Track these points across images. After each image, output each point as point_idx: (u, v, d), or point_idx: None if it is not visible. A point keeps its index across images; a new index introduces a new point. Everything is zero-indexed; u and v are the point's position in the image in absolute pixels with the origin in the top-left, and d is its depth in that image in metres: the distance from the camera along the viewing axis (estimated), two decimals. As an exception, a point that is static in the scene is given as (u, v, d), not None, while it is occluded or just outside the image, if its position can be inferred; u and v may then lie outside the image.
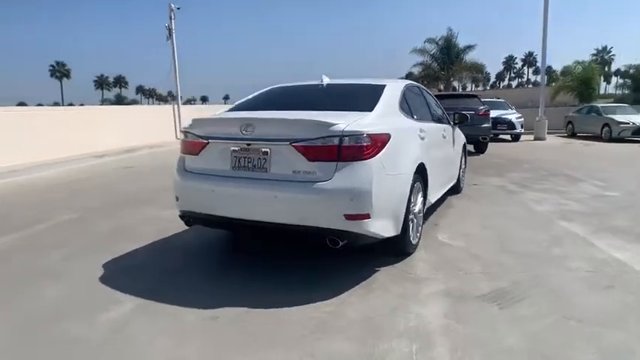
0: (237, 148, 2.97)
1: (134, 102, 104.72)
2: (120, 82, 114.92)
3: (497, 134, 14.85)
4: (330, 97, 3.71)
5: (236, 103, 3.92)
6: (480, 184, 6.75)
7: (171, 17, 15.43)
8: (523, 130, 15.49)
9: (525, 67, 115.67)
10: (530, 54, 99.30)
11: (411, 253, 3.46)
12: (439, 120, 4.94)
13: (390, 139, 2.94)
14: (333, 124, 2.74)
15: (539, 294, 2.79)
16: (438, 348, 2.19)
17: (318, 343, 2.26)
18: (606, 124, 15.67)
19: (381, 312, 2.57)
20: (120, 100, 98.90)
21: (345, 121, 2.78)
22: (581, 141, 15.06)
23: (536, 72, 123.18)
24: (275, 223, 2.86)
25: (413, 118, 3.80)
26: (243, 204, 2.93)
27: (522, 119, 15.57)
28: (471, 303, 2.68)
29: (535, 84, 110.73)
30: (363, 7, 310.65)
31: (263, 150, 2.88)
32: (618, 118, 15.49)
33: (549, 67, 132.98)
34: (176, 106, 15.42)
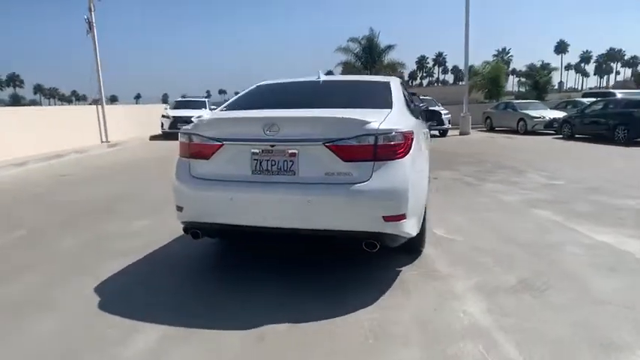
0: (258, 150, 2.72)
1: (33, 102, 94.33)
2: (14, 80, 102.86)
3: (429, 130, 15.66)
4: (338, 94, 3.56)
5: (229, 101, 3.60)
6: (437, 177, 7.01)
7: (90, 9, 14.04)
8: (450, 126, 16.53)
9: (436, 67, 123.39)
10: (440, 54, 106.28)
11: (422, 250, 3.45)
12: (418, 116, 5.01)
13: (414, 137, 2.89)
14: (368, 122, 2.62)
15: (559, 281, 2.92)
16: (504, 345, 2.18)
17: (384, 352, 2.14)
18: (522, 119, 17.23)
19: (429, 313, 2.52)
20: (16, 101, 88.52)
21: (376, 119, 2.68)
22: (502, 135, 16.37)
23: (444, 71, 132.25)
24: (306, 230, 2.68)
25: (412, 114, 3.79)
26: (268, 211, 2.70)
27: (450, 115, 16.57)
28: (505, 296, 2.73)
29: (444, 82, 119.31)
30: (285, 8, 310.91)
31: (290, 151, 2.67)
32: (532, 113, 17.10)
33: (456, 67, 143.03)
34: (100, 106, 14.08)
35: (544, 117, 16.72)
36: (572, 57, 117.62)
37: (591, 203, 5.07)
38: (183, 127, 3.06)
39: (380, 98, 3.24)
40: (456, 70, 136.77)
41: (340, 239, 2.76)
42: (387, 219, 2.59)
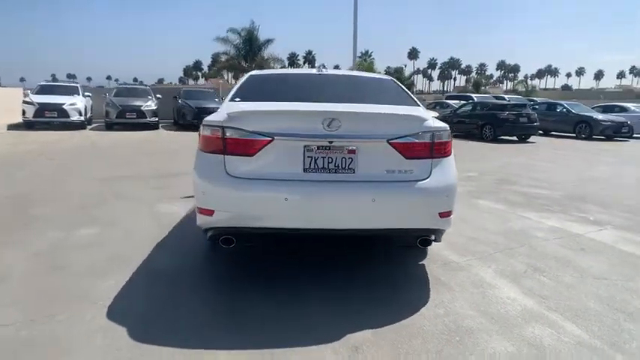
0: (313, 147, 2.51)
1: None
2: None
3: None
4: (361, 89, 3.45)
5: (232, 93, 3.19)
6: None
7: None
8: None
9: (306, 64, 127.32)
10: (310, 52, 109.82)
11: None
12: None
13: None
14: (426, 119, 2.63)
15: (554, 262, 3.34)
16: (564, 324, 2.42)
17: (476, 344, 2.20)
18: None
19: (483, 303, 2.65)
20: None
21: (427, 116, 2.70)
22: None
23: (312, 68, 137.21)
24: (364, 230, 2.58)
25: None
26: (325, 212, 2.51)
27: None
28: (526, 279, 3.02)
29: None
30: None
31: (349, 148, 2.52)
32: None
33: (324, 66, 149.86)
34: None
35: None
36: (421, 63, 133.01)
37: (513, 193, 5.87)
38: (211, 119, 2.66)
39: (402, 96, 3.26)
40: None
41: (393, 238, 2.72)
42: (442, 215, 2.64)
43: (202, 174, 2.60)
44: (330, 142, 2.50)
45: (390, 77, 3.83)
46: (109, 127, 14.78)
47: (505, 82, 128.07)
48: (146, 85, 18.53)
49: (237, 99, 3.03)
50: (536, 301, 2.69)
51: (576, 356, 2.14)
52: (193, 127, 15.42)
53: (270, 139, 2.50)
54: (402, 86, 3.56)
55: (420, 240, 2.69)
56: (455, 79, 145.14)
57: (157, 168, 7.26)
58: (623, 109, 17.17)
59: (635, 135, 15.80)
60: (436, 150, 2.63)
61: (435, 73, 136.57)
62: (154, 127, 15.42)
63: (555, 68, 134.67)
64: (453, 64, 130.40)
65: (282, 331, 2.29)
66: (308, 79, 3.57)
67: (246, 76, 3.60)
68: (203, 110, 15.96)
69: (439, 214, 2.62)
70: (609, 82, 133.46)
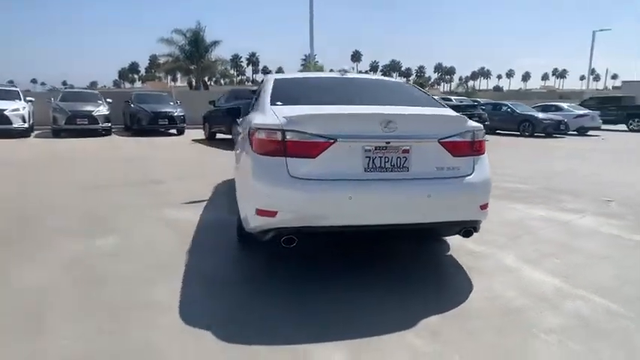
0: (371, 147, 2.66)
1: None
2: None
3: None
4: (388, 92, 3.66)
5: (265, 97, 3.27)
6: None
7: None
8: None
9: (250, 66, 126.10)
10: (254, 54, 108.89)
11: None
12: None
13: None
14: (467, 120, 2.87)
15: (561, 248, 3.72)
16: (598, 299, 2.75)
17: (542, 322, 2.46)
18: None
19: (522, 287, 2.93)
20: None
21: (464, 117, 2.95)
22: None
23: (255, 71, 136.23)
24: (419, 224, 2.77)
25: None
26: (385, 209, 2.68)
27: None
28: (544, 262, 3.35)
29: (254, 82, 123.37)
30: None
31: (404, 148, 2.70)
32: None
33: (266, 67, 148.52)
34: None
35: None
36: (364, 65, 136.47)
37: (493, 188, 6.33)
38: (267, 123, 2.73)
39: (427, 98, 3.49)
40: (266, 71, 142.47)
41: (440, 230, 2.93)
42: (482, 207, 2.89)
43: (263, 176, 2.66)
44: (387, 143, 2.68)
45: (405, 81, 4.06)
46: (56, 134, 13.96)
47: (442, 84, 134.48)
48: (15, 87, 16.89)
49: (279, 103, 3.12)
50: (561, 280, 3.02)
51: (612, 322, 2.46)
52: (149, 132, 14.99)
53: (332, 141, 2.62)
54: (422, 89, 3.81)
55: (464, 231, 2.92)
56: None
57: (134, 176, 7.02)
58: (559, 109, 18.79)
59: (569, 132, 17.35)
60: (476, 148, 2.89)
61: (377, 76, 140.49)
62: (106, 133, 14.73)
63: (488, 70, 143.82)
64: (394, 67, 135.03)
65: (362, 321, 2.42)
66: (338, 83, 3.73)
67: (271, 80, 3.67)
68: (160, 115, 15.54)
69: (480, 206, 2.88)
70: (535, 84, 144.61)
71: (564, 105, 19.38)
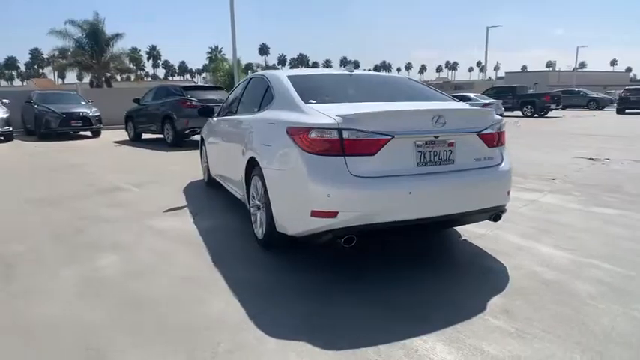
0: (422, 142, 2.75)
1: None
2: None
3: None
4: (404, 88, 3.75)
5: (293, 96, 3.18)
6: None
7: None
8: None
9: (150, 60, 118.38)
10: (154, 47, 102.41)
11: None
12: None
13: None
14: (494, 114, 3.09)
15: (546, 223, 4.18)
16: (609, 266, 3.16)
17: (576, 289, 2.77)
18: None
19: (542, 262, 3.26)
20: None
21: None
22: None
23: (155, 65, 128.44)
24: (464, 213, 2.92)
25: None
26: (441, 200, 2.81)
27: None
28: (545, 239, 3.75)
29: (154, 77, 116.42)
30: None
31: (450, 142, 2.83)
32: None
33: (167, 62, 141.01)
34: None
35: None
36: (272, 59, 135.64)
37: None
38: (320, 122, 2.68)
39: (439, 93, 3.66)
40: (167, 65, 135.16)
41: (477, 217, 3.11)
42: (508, 193, 3.15)
43: (322, 177, 2.62)
44: (436, 137, 2.79)
45: (405, 76, 4.20)
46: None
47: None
48: None
49: (313, 101, 3.07)
50: (569, 253, 3.40)
51: (632, 284, 2.85)
52: (59, 136, 13.54)
53: (389, 137, 2.66)
54: (424, 83, 3.99)
55: (494, 216, 3.14)
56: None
57: (82, 187, 6.34)
58: (467, 98, 20.57)
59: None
60: (502, 139, 3.13)
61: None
62: (6, 139, 13.25)
63: (389, 64, 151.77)
64: (301, 60, 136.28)
65: (442, 311, 2.52)
66: (354, 80, 3.77)
67: (284, 77, 3.58)
68: (72, 116, 14.03)
69: (507, 192, 3.13)
70: (431, 75, 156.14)
71: (472, 95, 21.30)
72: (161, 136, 11.76)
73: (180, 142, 11.13)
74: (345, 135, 2.63)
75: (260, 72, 4.51)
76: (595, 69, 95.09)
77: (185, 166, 7.88)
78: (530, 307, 2.55)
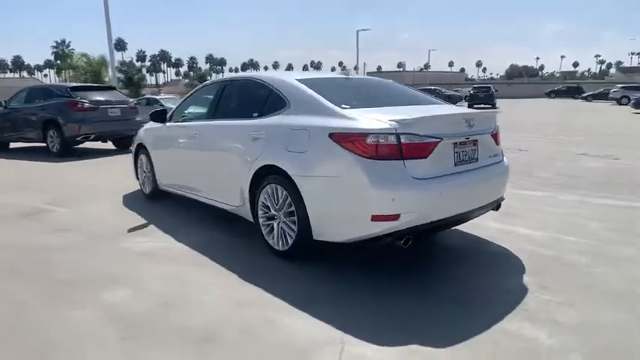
0: (457, 143, 2.98)
1: None
2: None
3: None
4: (402, 91, 3.87)
5: (320, 100, 3.14)
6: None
7: None
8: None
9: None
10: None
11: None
12: None
13: None
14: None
15: (509, 208, 4.83)
16: (609, 235, 3.83)
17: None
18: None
19: (560, 226, 3.79)
20: None
21: None
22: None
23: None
24: (486, 205, 3.24)
25: None
26: (478, 195, 3.13)
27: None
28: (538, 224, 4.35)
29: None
30: None
31: (474, 141, 3.12)
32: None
33: (19, 57, 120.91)
34: None
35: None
36: (130, 54, 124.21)
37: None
38: (378, 128, 2.72)
39: (428, 95, 3.93)
40: (17, 62, 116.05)
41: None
42: (505, 184, 3.59)
43: (385, 181, 2.67)
44: (467, 138, 3.05)
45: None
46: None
47: (212, 74, 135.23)
48: None
49: (346, 106, 3.07)
50: (540, 232, 4.00)
51: (602, 250, 3.51)
52: None
53: (438, 140, 2.83)
54: (410, 87, 4.25)
55: (497, 205, 3.53)
56: (164, 72, 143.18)
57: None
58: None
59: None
60: (499, 138, 3.54)
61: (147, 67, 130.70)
62: None
63: (256, 62, 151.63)
64: (163, 57, 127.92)
65: (495, 297, 2.78)
66: (355, 84, 3.82)
67: (294, 81, 3.49)
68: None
69: (506, 183, 3.56)
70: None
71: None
72: (40, 144, 10.08)
73: (69, 150, 9.71)
74: (403, 139, 2.72)
75: (244, 74, 4.29)
76: (437, 69, 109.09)
77: (100, 179, 6.96)
78: (558, 281, 2.99)
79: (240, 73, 4.45)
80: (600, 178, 6.41)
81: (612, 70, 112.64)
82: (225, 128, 3.91)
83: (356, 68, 38.70)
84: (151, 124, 5.61)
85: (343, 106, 3.08)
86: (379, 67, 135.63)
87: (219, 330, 2.41)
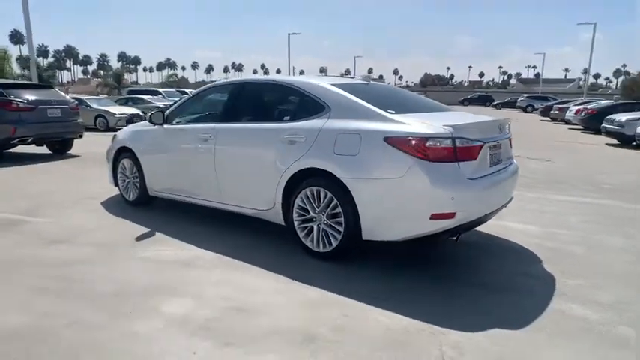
0: (491, 146, 3.30)
1: None
2: None
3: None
4: (418, 98, 4.11)
5: (363, 104, 3.28)
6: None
7: None
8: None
9: None
10: None
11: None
12: None
13: None
14: None
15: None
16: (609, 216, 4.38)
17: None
18: (101, 115, 17.04)
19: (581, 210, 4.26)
20: None
21: None
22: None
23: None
24: (506, 203, 3.60)
25: None
26: (504, 194, 3.47)
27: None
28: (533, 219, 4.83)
29: None
30: None
31: (499, 145, 3.46)
32: (112, 109, 17.28)
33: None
34: None
35: (125, 113, 17.36)
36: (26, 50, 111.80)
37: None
38: (437, 132, 2.94)
39: (440, 103, 4.24)
40: None
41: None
42: (514, 182, 4.01)
43: (445, 182, 2.92)
44: (497, 143, 3.39)
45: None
46: None
47: (130, 73, 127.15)
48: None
49: (392, 111, 3.24)
50: (534, 226, 4.52)
51: (593, 240, 4.08)
52: None
53: (482, 144, 3.14)
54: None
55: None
56: (69, 70, 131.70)
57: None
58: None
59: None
60: (507, 142, 3.96)
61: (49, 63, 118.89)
62: None
63: (173, 61, 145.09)
64: (69, 53, 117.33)
65: (531, 283, 3.13)
66: (377, 89, 3.97)
67: (331, 86, 3.59)
68: None
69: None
70: (218, 76, 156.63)
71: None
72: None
73: (1, 155, 8.71)
74: (457, 143, 2.97)
75: (263, 77, 4.25)
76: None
77: (56, 186, 6.39)
78: (574, 267, 3.43)
79: (258, 76, 4.38)
80: (545, 178, 7.28)
81: (513, 81, 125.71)
82: (251, 131, 3.86)
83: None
84: (137, 127, 5.31)
85: (389, 111, 3.26)
86: (302, 71, 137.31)
87: (311, 329, 2.46)
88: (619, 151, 11.64)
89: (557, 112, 23.05)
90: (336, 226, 3.31)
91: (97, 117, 17.06)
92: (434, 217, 2.92)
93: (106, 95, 32.26)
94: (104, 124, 16.90)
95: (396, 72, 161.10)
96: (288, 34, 38.67)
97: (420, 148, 2.93)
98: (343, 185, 3.18)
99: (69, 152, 9.93)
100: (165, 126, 4.65)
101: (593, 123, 16.01)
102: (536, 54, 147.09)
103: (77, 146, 10.07)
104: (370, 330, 2.46)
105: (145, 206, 5.06)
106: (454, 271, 3.39)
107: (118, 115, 16.87)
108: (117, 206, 5.14)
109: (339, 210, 3.25)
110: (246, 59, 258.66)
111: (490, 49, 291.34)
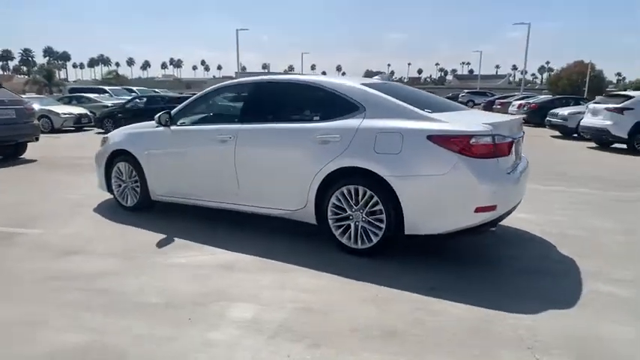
0: (516, 142, 3.52)
1: None
2: None
3: None
4: (437, 98, 4.22)
5: (398, 103, 3.38)
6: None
7: None
8: None
9: None
10: None
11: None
12: None
13: None
14: None
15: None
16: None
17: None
18: (44, 116, 15.84)
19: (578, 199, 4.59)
20: None
21: None
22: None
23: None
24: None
25: None
26: (524, 187, 3.70)
27: None
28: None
29: None
30: None
31: (518, 141, 3.70)
32: (57, 109, 16.12)
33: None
34: None
35: (71, 113, 16.28)
36: None
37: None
38: (480, 130, 3.10)
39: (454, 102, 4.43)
40: None
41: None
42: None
43: (489, 177, 3.11)
44: (515, 140, 3.62)
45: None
46: None
47: (58, 70, 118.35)
48: None
49: (428, 110, 3.37)
50: (533, 215, 4.82)
51: (591, 224, 4.48)
52: None
53: (513, 140, 3.36)
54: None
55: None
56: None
57: None
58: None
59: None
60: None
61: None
62: None
63: (107, 57, 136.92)
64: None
65: (559, 269, 3.40)
66: (401, 89, 4.11)
67: (362, 86, 3.67)
68: None
69: (528, 177, 4.28)
70: (155, 72, 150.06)
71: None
72: None
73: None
74: (496, 140, 3.15)
75: (284, 77, 4.21)
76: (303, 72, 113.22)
77: (29, 194, 5.94)
78: (585, 251, 3.76)
79: (278, 76, 4.23)
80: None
81: (449, 77, 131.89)
82: (278, 132, 3.81)
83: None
84: (134, 128, 5.05)
85: (426, 110, 3.38)
86: (244, 68, 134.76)
87: (387, 325, 2.52)
88: (565, 142, 12.70)
89: (499, 107, 24.56)
90: (376, 223, 3.38)
91: (40, 117, 15.76)
92: (478, 210, 3.09)
93: (34, 93, 29.93)
94: (48, 125, 15.63)
95: (339, 68, 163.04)
96: (237, 30, 37.97)
97: (464, 145, 3.08)
98: (385, 183, 3.26)
99: (22, 157, 9.16)
100: (172, 127, 4.47)
101: (534, 117, 17.31)
102: (474, 52, 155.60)
103: (28, 150, 9.28)
104: (445, 321, 2.58)
105: (142, 211, 4.83)
106: (484, 259, 3.59)
107: (63, 116, 15.78)
108: (112, 213, 4.86)
109: (379, 207, 3.33)
110: (184, 54, 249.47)
111: (426, 46, 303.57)
